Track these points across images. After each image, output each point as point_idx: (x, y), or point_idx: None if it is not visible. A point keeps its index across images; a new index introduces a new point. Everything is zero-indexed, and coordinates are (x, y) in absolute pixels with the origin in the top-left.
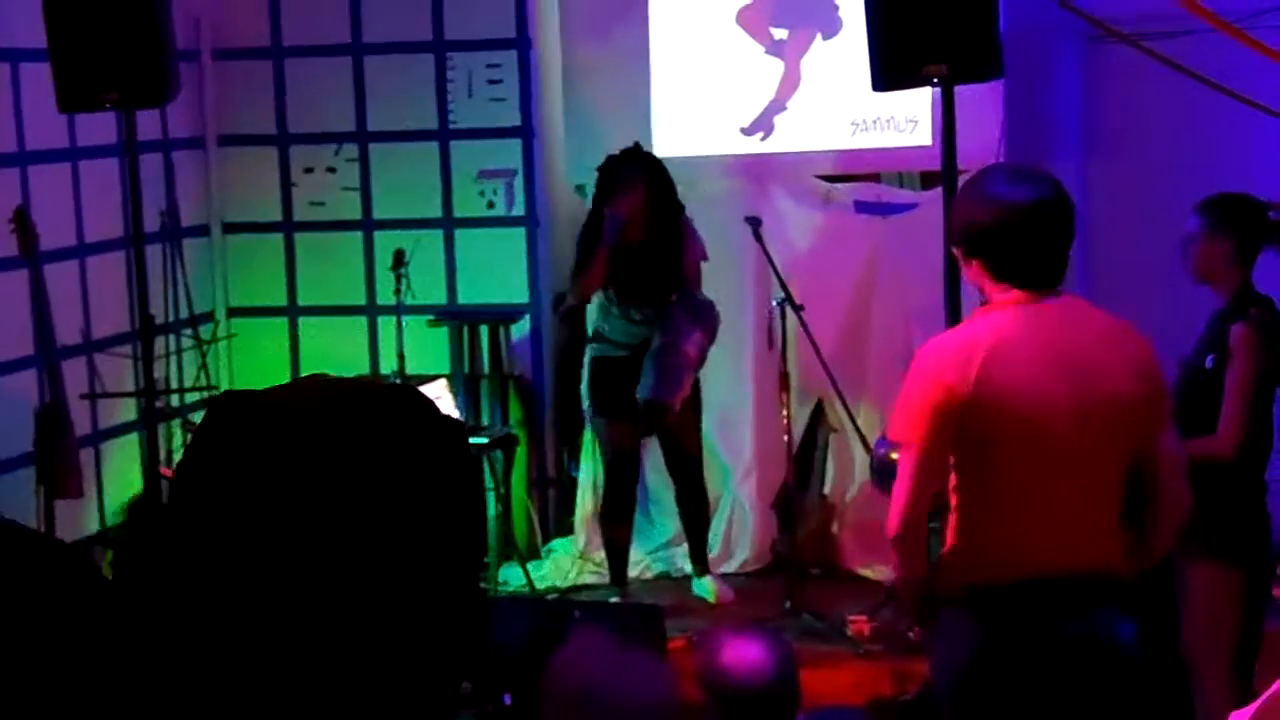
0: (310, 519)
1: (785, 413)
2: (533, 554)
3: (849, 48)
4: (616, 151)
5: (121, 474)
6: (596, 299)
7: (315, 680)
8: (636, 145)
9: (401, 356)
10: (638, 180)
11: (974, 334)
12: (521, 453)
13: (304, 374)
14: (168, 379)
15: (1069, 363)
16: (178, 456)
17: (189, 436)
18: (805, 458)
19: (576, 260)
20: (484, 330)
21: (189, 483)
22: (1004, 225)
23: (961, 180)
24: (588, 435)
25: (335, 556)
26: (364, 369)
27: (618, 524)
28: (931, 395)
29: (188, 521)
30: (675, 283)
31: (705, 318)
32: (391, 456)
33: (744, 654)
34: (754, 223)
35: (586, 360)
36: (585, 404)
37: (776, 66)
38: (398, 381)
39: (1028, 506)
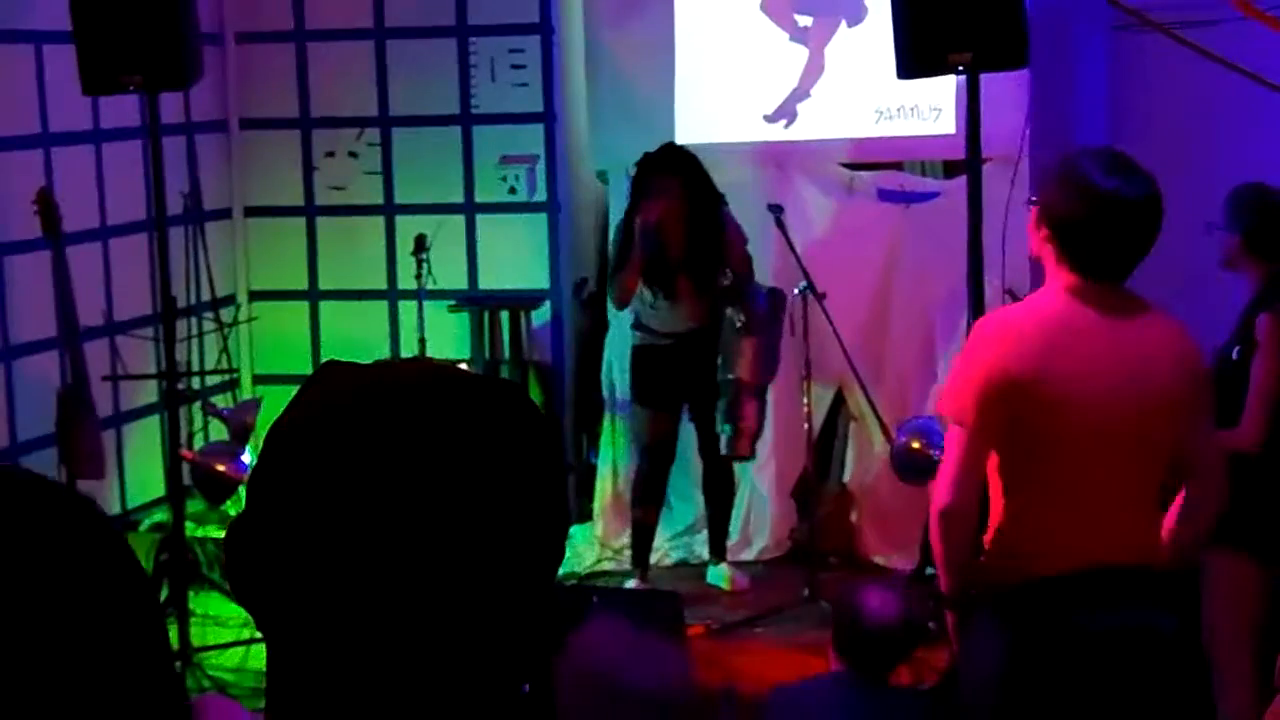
0: (396, 496)
1: (805, 400)
2: None
3: (873, 35)
4: (644, 144)
5: (143, 456)
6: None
7: (383, 659)
8: (670, 145)
9: (422, 342)
10: (671, 185)
11: (1036, 313)
12: None
13: (324, 357)
14: (189, 361)
15: (1124, 355)
16: (198, 439)
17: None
18: (825, 446)
19: (614, 262)
20: (505, 316)
21: (284, 445)
22: (1088, 214)
23: (985, 169)
24: (607, 422)
25: (417, 536)
26: (384, 354)
27: (649, 505)
28: (991, 372)
29: (277, 483)
30: (717, 275)
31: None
32: (487, 443)
33: (880, 602)
34: (776, 210)
35: (628, 348)
36: (610, 391)
37: (801, 54)
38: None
39: (1075, 497)
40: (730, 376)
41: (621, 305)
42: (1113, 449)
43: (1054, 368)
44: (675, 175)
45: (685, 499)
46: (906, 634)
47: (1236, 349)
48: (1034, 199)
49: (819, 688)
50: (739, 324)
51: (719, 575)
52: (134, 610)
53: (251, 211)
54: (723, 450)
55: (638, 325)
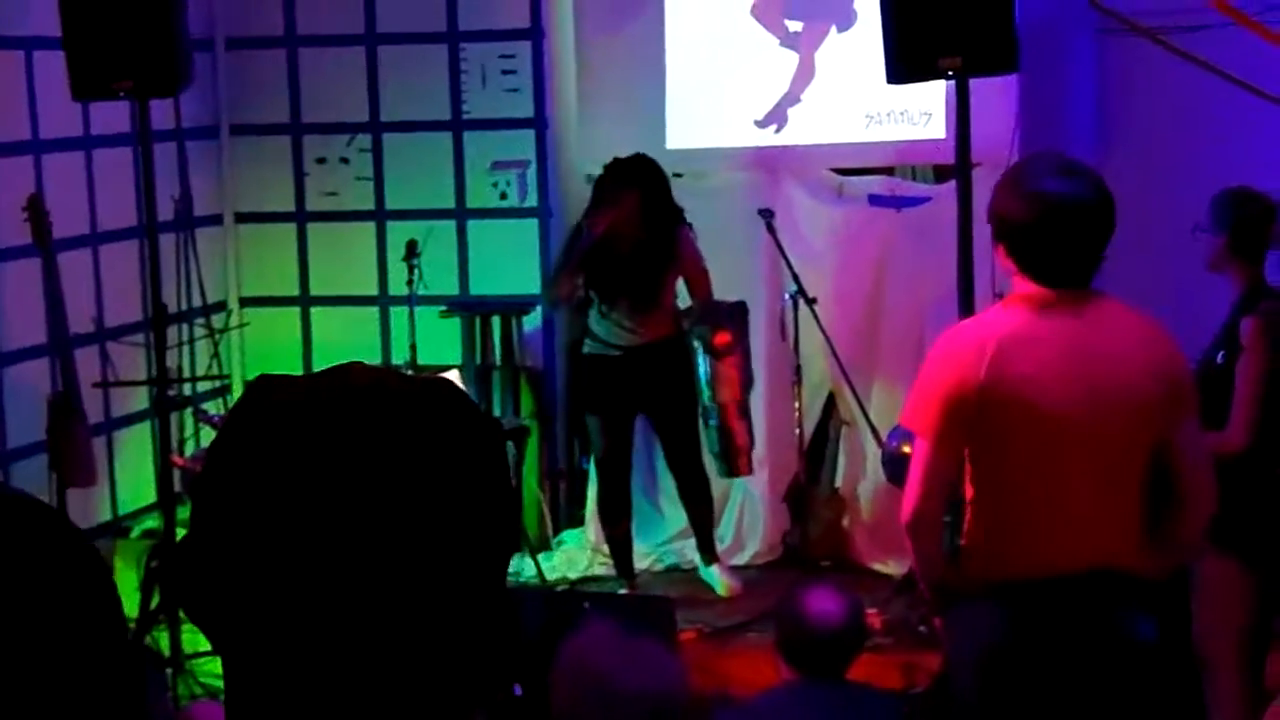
0: (339, 506)
1: (797, 405)
2: (543, 545)
3: (863, 40)
4: (635, 149)
5: (134, 462)
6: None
7: (343, 670)
8: (639, 156)
9: (413, 347)
10: (629, 195)
11: (989, 323)
12: (533, 444)
13: (316, 364)
14: (180, 368)
15: (1083, 357)
16: (189, 445)
17: (226, 415)
18: (817, 451)
19: (556, 262)
20: (496, 321)
21: (222, 462)
22: (1031, 221)
23: (975, 174)
24: None
25: (362, 544)
26: (376, 359)
27: (615, 523)
28: (944, 383)
29: (219, 503)
30: (658, 294)
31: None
32: (426, 447)
33: (821, 604)
34: (767, 215)
35: (583, 355)
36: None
37: (791, 59)
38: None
39: (1041, 501)
40: (714, 403)
41: (554, 307)
42: (1078, 454)
43: (1011, 377)
44: (635, 188)
45: (675, 504)
46: (853, 630)
47: (1221, 353)
48: (988, 219)
49: (775, 699)
50: (709, 348)
51: (712, 575)
52: (99, 621)
53: (242, 217)
54: (720, 475)
55: (589, 334)
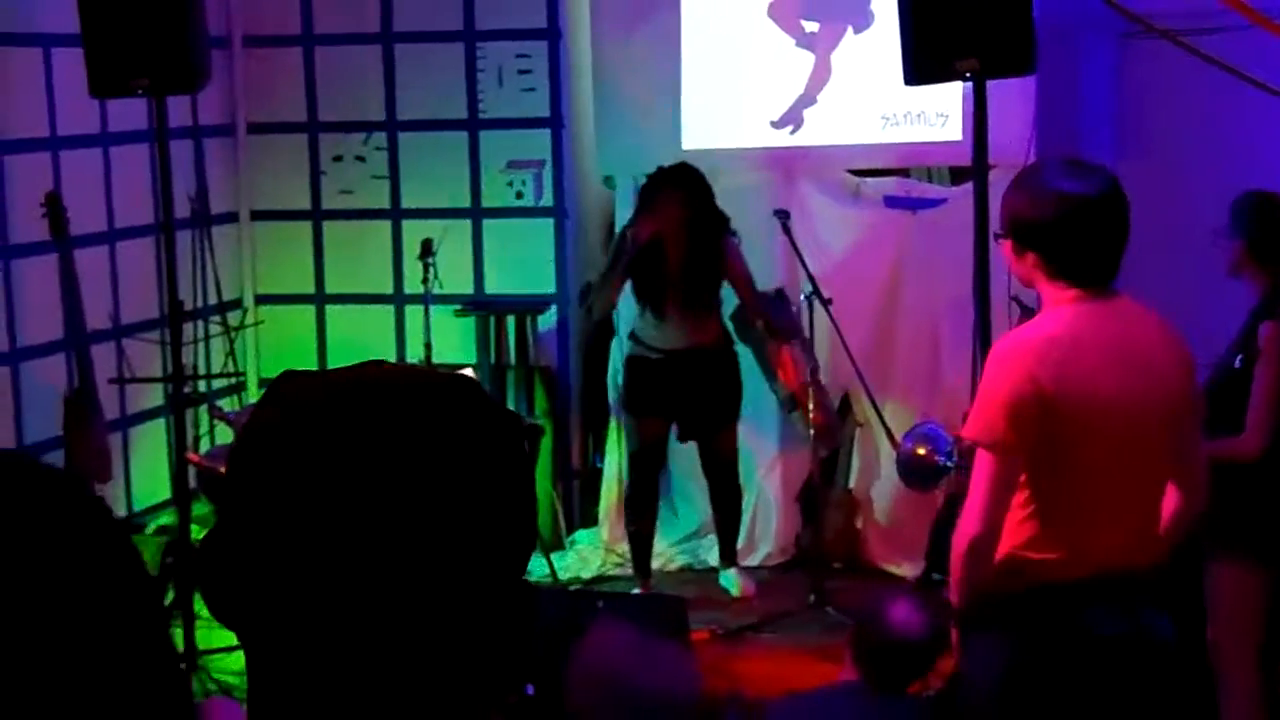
0: (362, 501)
1: (811, 406)
2: (557, 544)
3: (880, 41)
4: (651, 149)
5: (149, 459)
6: (632, 305)
7: (361, 665)
8: (682, 164)
9: (428, 346)
10: (673, 204)
11: (1054, 329)
12: (547, 444)
13: (331, 362)
14: (196, 365)
15: (1134, 362)
16: (204, 442)
17: (251, 415)
18: (831, 452)
19: (602, 270)
20: (511, 321)
21: (247, 457)
22: (1066, 221)
23: (992, 176)
24: (613, 426)
25: (385, 539)
26: (390, 358)
27: (641, 517)
28: (1018, 391)
29: (245, 498)
30: (705, 301)
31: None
32: (448, 443)
33: (906, 614)
34: (783, 216)
35: (622, 358)
36: (617, 396)
37: (807, 60)
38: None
39: (1097, 505)
40: (786, 391)
41: (599, 315)
42: (1130, 453)
43: (1073, 379)
44: (679, 194)
45: (690, 504)
46: (931, 647)
47: (1239, 357)
48: (1000, 233)
49: (832, 698)
50: (766, 337)
51: (729, 580)
52: (136, 607)
53: (258, 215)
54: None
55: (632, 337)
